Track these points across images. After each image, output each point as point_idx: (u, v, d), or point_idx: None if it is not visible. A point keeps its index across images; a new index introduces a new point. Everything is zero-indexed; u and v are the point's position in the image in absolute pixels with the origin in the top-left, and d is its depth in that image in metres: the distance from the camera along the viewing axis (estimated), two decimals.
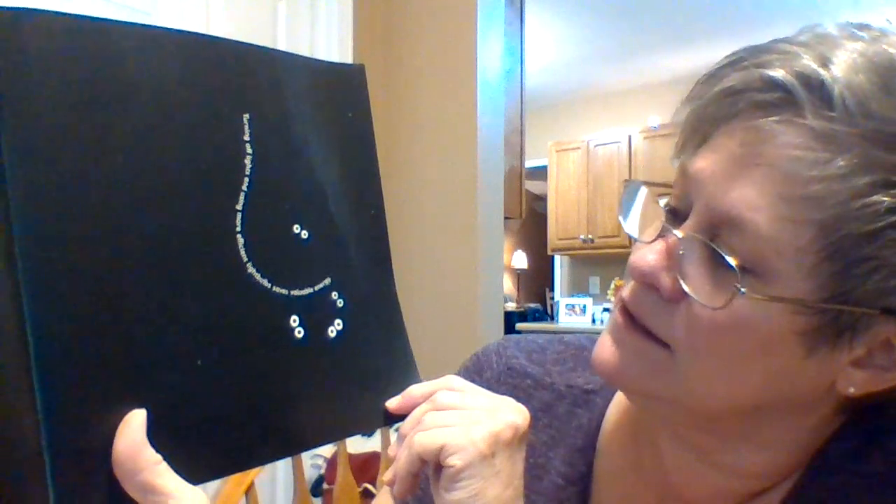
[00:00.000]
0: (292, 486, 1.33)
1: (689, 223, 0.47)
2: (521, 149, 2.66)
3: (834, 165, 0.42)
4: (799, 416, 0.51)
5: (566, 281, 6.17)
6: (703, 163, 0.47)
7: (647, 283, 0.49)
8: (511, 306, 6.42)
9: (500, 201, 2.18)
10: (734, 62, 0.47)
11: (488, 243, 2.11)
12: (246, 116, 0.45)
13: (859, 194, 0.42)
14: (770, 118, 0.44)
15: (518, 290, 7.18)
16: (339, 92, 0.52)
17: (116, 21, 0.40)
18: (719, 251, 0.45)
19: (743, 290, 0.44)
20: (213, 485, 1.43)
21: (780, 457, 0.53)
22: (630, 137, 5.42)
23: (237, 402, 0.43)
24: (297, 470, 1.32)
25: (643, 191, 0.53)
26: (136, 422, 0.39)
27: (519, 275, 7.19)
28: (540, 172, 5.77)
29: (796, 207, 0.43)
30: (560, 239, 5.70)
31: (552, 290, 6.68)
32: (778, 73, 0.44)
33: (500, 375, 0.66)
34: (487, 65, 2.10)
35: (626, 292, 0.51)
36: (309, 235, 0.48)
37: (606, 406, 0.62)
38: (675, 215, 0.49)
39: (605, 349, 0.52)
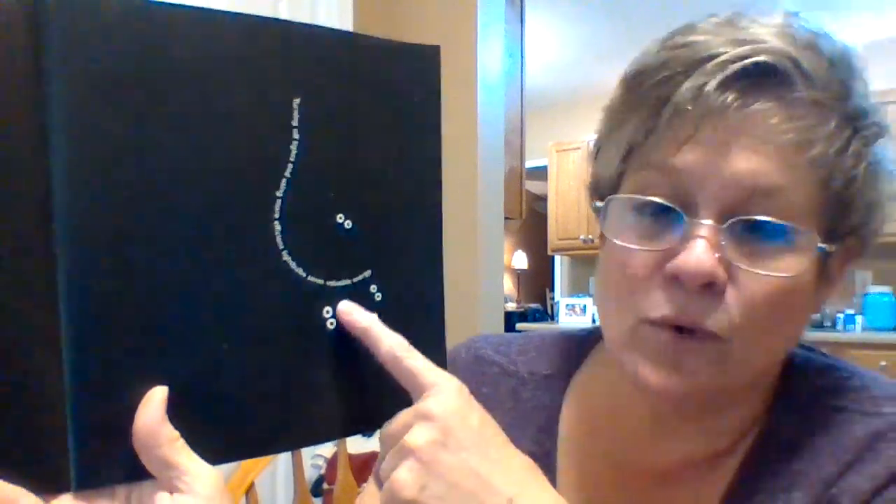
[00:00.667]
0: (292, 486, 1.33)
1: (706, 213, 0.49)
2: (522, 149, 2.66)
3: (826, 127, 0.49)
4: (782, 361, 0.57)
5: (566, 281, 6.18)
6: (700, 155, 0.49)
7: (706, 283, 0.49)
8: (511, 306, 6.42)
9: (500, 201, 2.19)
10: (684, 59, 0.50)
11: (488, 243, 2.11)
12: (296, 101, 0.44)
13: (844, 147, 0.49)
14: (760, 101, 0.48)
15: (518, 290, 7.18)
16: (408, 74, 0.49)
17: (162, 2, 0.40)
18: (776, 223, 0.48)
19: (823, 245, 0.50)
20: None
21: (748, 409, 0.57)
22: None
23: (261, 387, 0.44)
24: (298, 470, 1.32)
25: (617, 203, 0.53)
26: (156, 398, 0.40)
27: (519, 275, 7.20)
28: (540, 173, 5.77)
29: (804, 170, 0.49)
30: (560, 239, 5.70)
31: (552, 290, 6.68)
32: (766, 57, 0.48)
33: (468, 364, 0.68)
34: (487, 65, 2.10)
35: (664, 308, 0.50)
36: (353, 225, 0.47)
37: (566, 388, 0.65)
38: (669, 213, 0.50)
39: (662, 377, 0.51)
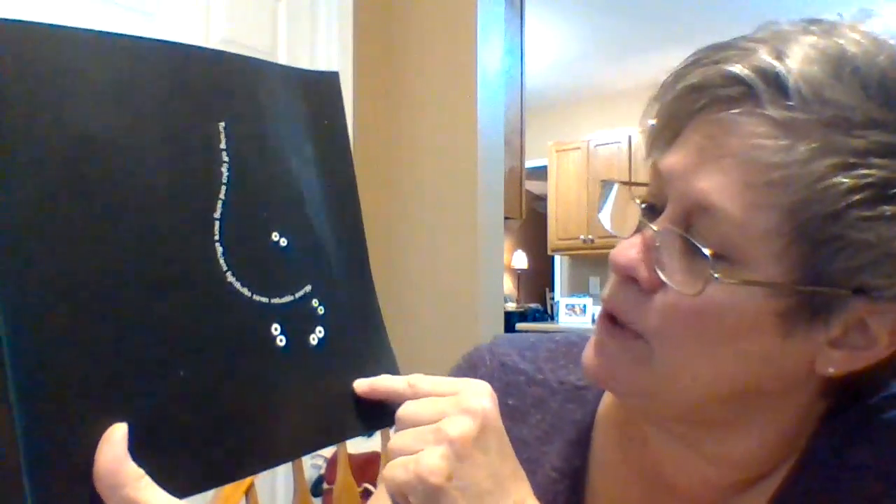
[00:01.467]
0: (292, 487, 1.33)
1: (663, 217, 0.49)
2: (521, 149, 2.66)
3: (795, 151, 0.44)
4: (781, 400, 0.52)
5: (566, 281, 6.17)
6: (673, 158, 0.49)
7: (626, 276, 0.50)
8: (511, 306, 6.42)
9: (500, 201, 2.18)
10: (696, 60, 0.49)
11: (488, 243, 2.11)
12: (221, 125, 0.45)
13: (821, 178, 0.44)
14: (732, 111, 0.46)
15: (518, 290, 7.18)
16: (315, 99, 0.51)
17: (78, 28, 0.39)
18: (692, 240, 0.47)
19: (717, 275, 0.46)
20: None
21: (765, 445, 0.54)
22: (630, 137, 5.42)
23: (221, 413, 0.43)
24: (298, 470, 1.32)
25: (618, 190, 0.56)
26: (116, 436, 0.38)
27: (519, 275, 7.19)
28: (540, 172, 5.77)
29: (762, 193, 0.45)
30: (560, 239, 5.70)
31: (552, 290, 6.67)
32: (735, 68, 0.46)
33: (493, 372, 0.67)
34: (487, 65, 2.10)
35: (604, 292, 0.53)
36: (288, 243, 0.47)
37: (598, 401, 0.63)
38: (652, 211, 0.51)
39: (589, 352, 0.54)
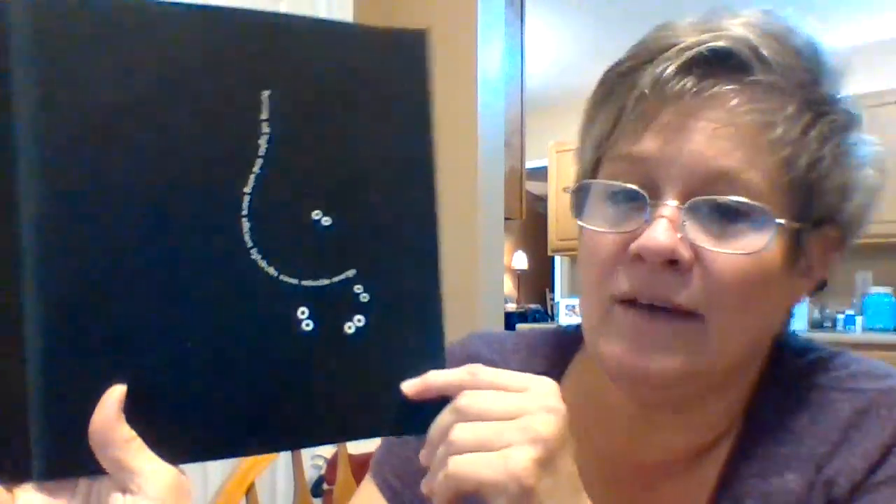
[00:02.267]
0: (292, 487, 1.33)
1: (670, 195, 0.51)
2: (522, 149, 2.66)
3: (786, 110, 0.50)
4: (763, 351, 0.58)
5: (566, 281, 6.17)
6: (661, 140, 0.51)
7: (665, 260, 0.50)
8: (511, 307, 6.42)
9: (500, 202, 2.18)
10: (651, 49, 0.52)
11: (488, 243, 2.11)
12: (265, 93, 0.42)
13: (806, 129, 0.51)
14: (719, 85, 0.50)
15: (518, 290, 7.18)
16: (392, 62, 0.46)
17: None
18: (738, 201, 0.50)
19: (781, 221, 0.50)
20: (214, 484, 1.43)
21: (733, 402, 0.58)
22: None
23: (225, 388, 0.42)
24: (298, 470, 1.32)
25: (593, 190, 0.56)
26: (112, 397, 0.39)
27: (519, 275, 7.19)
28: (540, 173, 5.76)
29: (766, 151, 0.50)
30: (560, 240, 5.69)
31: (552, 290, 6.67)
32: (724, 42, 0.50)
33: (461, 363, 0.67)
34: (487, 65, 2.10)
35: (626, 285, 0.52)
36: (332, 222, 0.44)
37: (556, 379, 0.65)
38: (645, 198, 0.52)
39: (638, 356, 0.52)
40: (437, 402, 0.46)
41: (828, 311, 4.42)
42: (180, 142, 0.41)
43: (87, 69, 0.39)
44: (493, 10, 2.16)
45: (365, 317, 0.45)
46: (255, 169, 0.42)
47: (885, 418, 0.54)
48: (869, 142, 0.55)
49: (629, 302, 0.52)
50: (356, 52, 0.45)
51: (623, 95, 0.53)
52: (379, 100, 0.46)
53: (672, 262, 0.50)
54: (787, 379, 0.58)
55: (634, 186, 0.52)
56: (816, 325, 4.39)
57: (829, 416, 0.55)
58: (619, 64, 0.55)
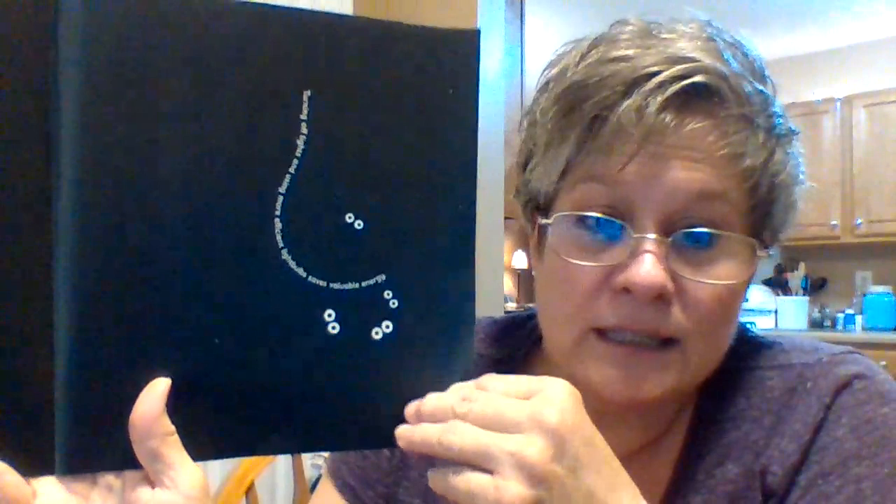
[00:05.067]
0: (292, 487, 1.33)
1: (647, 224, 0.51)
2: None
3: (755, 140, 0.52)
4: None
5: None
6: (642, 168, 0.51)
7: (657, 295, 0.51)
8: (511, 306, 6.42)
9: (500, 201, 2.18)
10: (640, 79, 0.51)
11: (488, 243, 2.11)
12: (307, 93, 0.42)
13: (770, 155, 0.53)
14: (700, 121, 0.51)
15: (518, 289, 7.18)
16: (442, 63, 0.45)
17: None
18: (721, 232, 0.52)
19: (763, 254, 0.54)
20: (214, 484, 1.43)
21: (686, 397, 0.59)
22: None
23: (250, 386, 0.43)
24: (298, 470, 1.32)
25: (562, 219, 0.54)
26: (158, 389, 0.40)
27: (519, 275, 7.19)
28: None
29: (738, 180, 0.52)
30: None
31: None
32: (700, 79, 0.50)
33: None
34: (487, 65, 2.10)
35: (614, 318, 0.52)
36: (364, 226, 0.44)
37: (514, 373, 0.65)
38: (621, 226, 0.52)
39: (626, 383, 0.52)
40: None
41: (828, 310, 4.42)
42: (220, 140, 0.41)
43: (133, 62, 0.39)
44: (493, 9, 2.16)
45: (393, 323, 0.44)
46: (291, 169, 0.42)
47: (811, 392, 0.54)
48: (800, 153, 0.57)
49: (616, 332, 0.52)
50: (402, 52, 0.44)
51: (596, 122, 0.52)
52: (421, 102, 0.45)
53: (659, 296, 0.51)
54: (727, 367, 0.58)
55: (616, 220, 0.52)
56: (816, 324, 4.40)
57: (762, 395, 0.56)
58: (581, 88, 0.53)
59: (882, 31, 4.30)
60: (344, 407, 0.45)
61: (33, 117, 0.38)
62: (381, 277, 0.44)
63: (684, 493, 0.56)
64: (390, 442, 0.44)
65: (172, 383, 0.41)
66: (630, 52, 0.52)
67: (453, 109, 0.45)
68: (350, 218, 0.43)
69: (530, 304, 7.13)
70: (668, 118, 0.50)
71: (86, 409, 0.40)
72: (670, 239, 0.51)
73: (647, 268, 0.50)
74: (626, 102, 0.50)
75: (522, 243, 7.10)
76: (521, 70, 2.68)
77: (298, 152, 0.42)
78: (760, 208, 0.54)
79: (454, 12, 2.10)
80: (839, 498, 0.51)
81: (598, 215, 0.52)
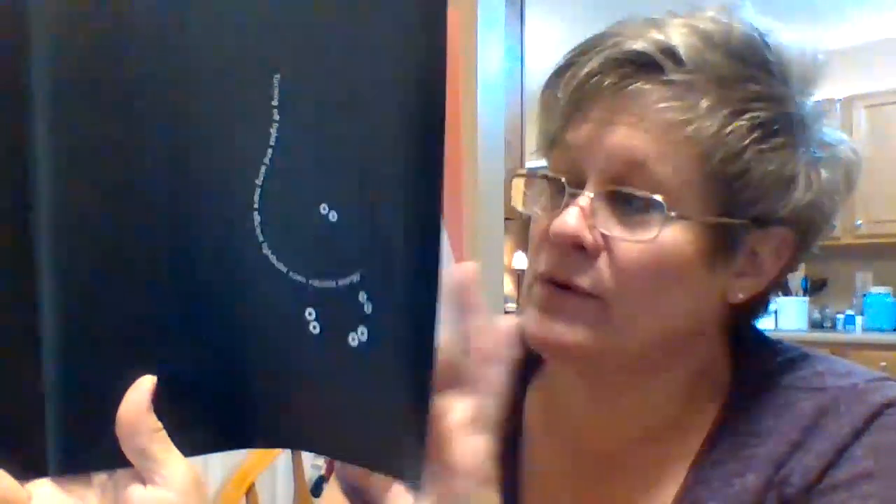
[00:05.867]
0: (292, 487, 1.33)
1: (590, 185, 0.55)
2: (522, 149, 2.66)
3: (700, 107, 0.52)
4: (694, 339, 0.59)
5: None
6: (587, 132, 0.55)
7: (571, 244, 0.54)
8: (511, 307, 6.42)
9: (500, 202, 2.18)
10: (586, 50, 0.56)
11: (488, 243, 2.11)
12: (277, 77, 0.39)
13: (724, 125, 0.52)
14: (638, 83, 0.53)
15: (518, 290, 7.18)
16: (408, 33, 0.39)
17: None
18: (637, 193, 0.53)
19: (673, 213, 0.53)
20: (214, 484, 1.43)
21: (673, 387, 0.60)
22: None
23: (232, 383, 0.42)
24: (298, 470, 1.32)
25: (527, 180, 0.61)
26: (144, 386, 0.40)
27: (519, 275, 7.19)
28: None
29: (679, 147, 0.53)
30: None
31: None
32: (637, 45, 0.53)
33: None
34: (487, 65, 2.10)
35: (543, 265, 0.56)
36: (338, 218, 0.40)
37: (529, 377, 0.68)
38: (569, 185, 0.56)
39: (544, 325, 0.56)
40: (426, 446, 0.38)
41: (828, 311, 4.42)
42: (192, 128, 0.40)
43: (95, 52, 0.38)
44: (493, 9, 2.16)
45: (368, 330, 0.39)
46: (266, 159, 0.40)
47: (844, 416, 0.54)
48: (829, 144, 0.57)
49: (546, 280, 0.56)
50: (368, 24, 0.39)
51: (560, 88, 0.57)
52: (389, 77, 0.38)
53: (580, 247, 0.54)
54: (757, 382, 0.59)
55: (555, 175, 0.57)
56: (816, 325, 4.40)
57: (792, 415, 0.56)
58: (564, 58, 0.58)
59: (882, 33, 4.29)
60: (320, 410, 0.42)
61: (6, 117, 0.37)
62: (356, 277, 0.40)
63: (698, 498, 0.57)
64: (352, 457, 0.42)
65: (160, 380, 0.40)
66: (612, 30, 0.56)
67: (420, 84, 0.40)
68: (324, 209, 0.40)
69: None
70: (607, 81, 0.54)
71: (75, 409, 0.39)
72: (597, 194, 0.54)
73: (564, 218, 0.54)
74: (571, 71, 0.55)
75: (522, 243, 7.10)
76: (521, 70, 2.68)
77: (272, 141, 0.40)
78: (718, 180, 0.53)
79: (454, 12, 2.10)
80: None
81: (547, 172, 0.57)
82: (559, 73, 0.57)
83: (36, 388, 0.39)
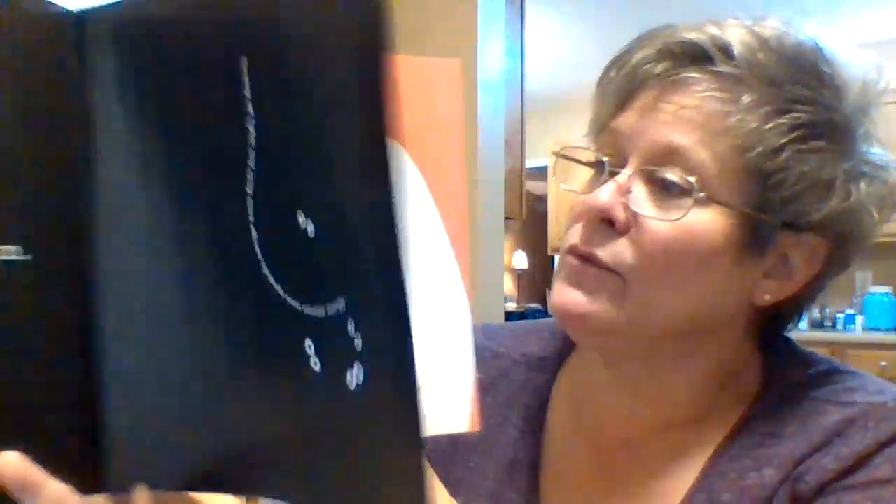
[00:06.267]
0: None
1: (630, 165, 0.56)
2: (522, 149, 2.66)
3: (743, 101, 0.54)
4: (718, 335, 0.60)
5: None
6: (634, 117, 0.57)
7: (602, 218, 0.55)
8: (511, 306, 6.42)
9: (500, 201, 2.18)
10: (642, 41, 0.58)
11: (488, 243, 2.11)
12: (244, 60, 0.34)
13: (765, 120, 0.54)
14: (688, 72, 0.55)
15: (518, 290, 7.18)
16: (355, 23, 0.32)
17: None
18: (669, 175, 0.54)
19: (702, 194, 0.54)
20: None
21: (697, 382, 0.61)
22: None
23: (236, 421, 0.39)
24: None
25: (569, 161, 0.63)
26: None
27: (519, 275, 7.19)
28: (540, 173, 5.76)
29: (718, 135, 0.54)
30: (560, 239, 5.65)
31: (552, 290, 6.65)
32: (692, 35, 0.56)
33: None
34: (487, 65, 2.10)
35: (575, 237, 0.57)
36: (316, 230, 0.34)
37: (558, 368, 0.70)
38: (611, 165, 0.58)
39: (565, 293, 0.57)
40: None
41: (828, 310, 4.42)
42: (171, 134, 0.37)
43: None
44: (493, 10, 2.16)
45: (364, 370, 0.33)
46: (251, 163, 0.35)
47: (870, 430, 0.55)
48: (876, 163, 0.57)
49: (572, 252, 0.58)
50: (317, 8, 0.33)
51: (613, 74, 0.59)
52: (339, 69, 0.33)
53: (610, 223, 0.55)
54: (785, 390, 0.60)
55: (599, 155, 0.58)
56: (816, 324, 4.39)
57: (817, 423, 0.57)
58: (621, 48, 0.60)
59: (882, 33, 4.29)
60: (325, 464, 0.37)
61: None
62: (342, 302, 0.34)
63: (712, 487, 0.58)
64: None
65: (171, 416, 0.40)
66: (666, 28, 0.58)
67: (364, 76, 0.32)
68: (302, 220, 0.34)
69: (530, 304, 7.05)
70: (658, 69, 0.56)
71: (124, 432, 0.40)
72: (633, 173, 0.56)
73: (598, 192, 0.55)
74: (626, 59, 0.58)
75: (522, 243, 7.10)
76: (521, 70, 2.68)
77: (252, 140, 0.34)
78: (754, 172, 0.54)
79: (454, 13, 2.10)
80: None
81: (591, 152, 0.59)
82: (615, 60, 0.59)
83: (91, 408, 0.40)
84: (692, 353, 0.60)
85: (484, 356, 0.71)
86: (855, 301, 4.34)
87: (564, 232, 0.60)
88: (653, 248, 0.54)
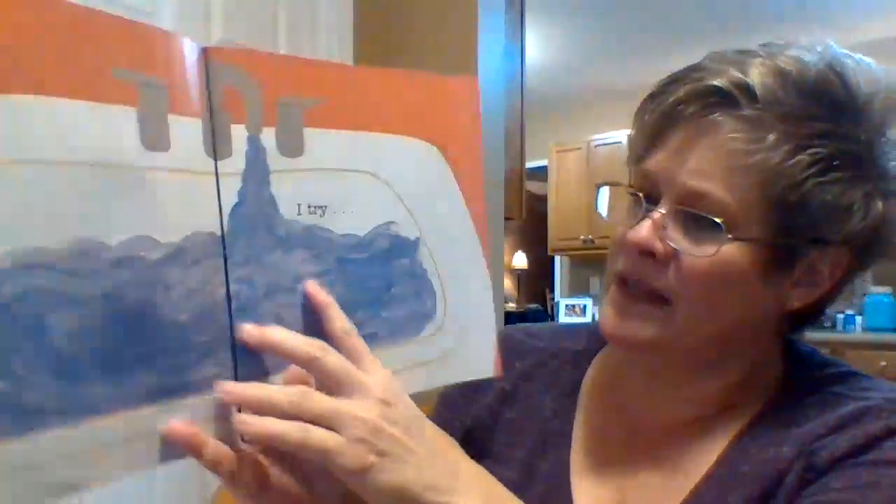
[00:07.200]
0: None
1: (664, 203, 0.63)
2: (522, 149, 2.66)
3: (765, 141, 0.59)
4: (751, 341, 0.67)
5: (566, 281, 6.17)
6: (665, 159, 0.63)
7: (643, 251, 0.62)
8: (511, 307, 6.42)
9: (500, 202, 2.19)
10: (676, 80, 0.64)
11: (488, 244, 2.11)
12: None
13: (786, 158, 0.59)
14: (716, 114, 0.60)
15: (518, 290, 7.18)
16: None
17: None
18: (701, 214, 0.60)
19: (731, 235, 0.60)
20: (213, 484, 1.43)
21: (731, 382, 0.68)
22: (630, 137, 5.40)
23: None
24: None
25: (610, 189, 0.71)
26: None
27: (519, 275, 7.19)
28: (540, 173, 5.76)
29: (743, 175, 0.60)
30: (560, 239, 5.69)
31: (552, 290, 6.67)
32: (718, 81, 0.61)
33: (501, 343, 0.76)
34: (487, 65, 2.10)
35: (620, 266, 0.65)
36: None
37: (591, 360, 0.78)
38: (648, 201, 0.64)
39: (613, 320, 0.65)
40: None
41: (828, 311, 4.42)
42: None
43: None
44: (493, 10, 2.16)
45: None
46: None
47: (884, 419, 0.61)
48: (894, 174, 0.62)
49: (621, 280, 0.65)
50: None
51: (649, 111, 0.65)
52: None
53: (651, 255, 0.62)
54: (808, 386, 0.67)
55: (635, 191, 0.65)
56: (817, 325, 4.39)
57: (835, 411, 0.63)
58: (656, 85, 0.66)
59: (881, 33, 4.30)
60: None
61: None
62: None
63: (734, 461, 0.65)
64: None
65: None
66: (700, 64, 0.63)
67: None
68: None
69: (530, 305, 7.05)
70: (689, 111, 0.61)
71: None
72: (669, 212, 0.62)
73: (637, 228, 0.63)
74: (658, 100, 0.64)
75: (522, 243, 7.10)
76: (522, 70, 2.68)
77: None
78: (779, 205, 0.60)
79: (454, 13, 2.10)
80: (860, 481, 0.58)
81: (629, 189, 0.66)
82: (652, 97, 0.65)
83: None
84: (726, 360, 0.67)
85: (525, 349, 0.80)
86: (855, 301, 4.34)
87: (608, 259, 0.67)
88: (692, 278, 0.61)
